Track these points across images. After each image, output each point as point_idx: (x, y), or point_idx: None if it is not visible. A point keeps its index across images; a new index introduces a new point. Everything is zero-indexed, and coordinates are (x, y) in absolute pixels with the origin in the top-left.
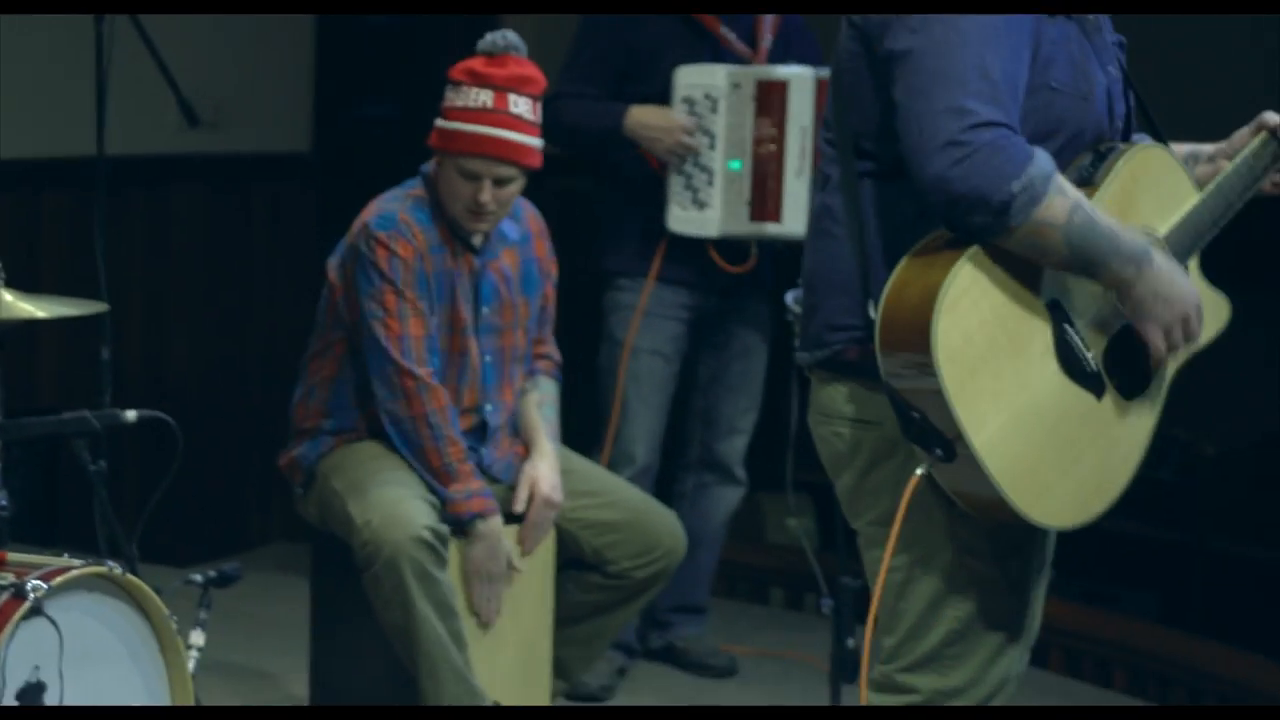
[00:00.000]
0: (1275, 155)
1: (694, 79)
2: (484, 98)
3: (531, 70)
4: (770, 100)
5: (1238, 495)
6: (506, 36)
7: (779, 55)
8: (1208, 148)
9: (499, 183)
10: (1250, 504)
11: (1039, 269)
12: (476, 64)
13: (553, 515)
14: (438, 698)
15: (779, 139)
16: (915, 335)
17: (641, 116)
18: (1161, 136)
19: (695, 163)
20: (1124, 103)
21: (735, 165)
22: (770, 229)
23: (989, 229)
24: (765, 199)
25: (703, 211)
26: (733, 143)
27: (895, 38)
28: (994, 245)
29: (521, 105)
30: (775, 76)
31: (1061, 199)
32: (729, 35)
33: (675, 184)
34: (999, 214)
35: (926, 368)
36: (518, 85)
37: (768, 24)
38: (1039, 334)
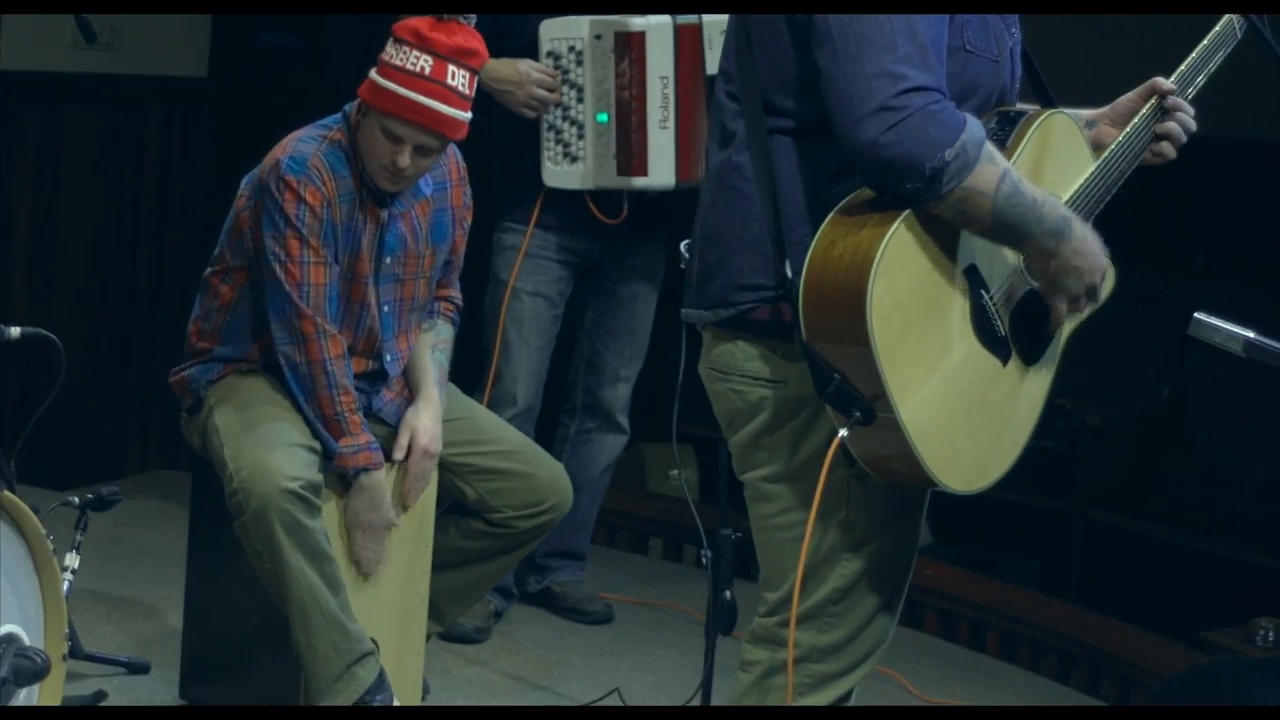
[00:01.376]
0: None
1: (557, 32)
2: (423, 63)
3: (476, 42)
4: (629, 51)
5: (1119, 467)
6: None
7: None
8: (1086, 112)
9: (420, 150)
10: (1131, 476)
11: (958, 234)
12: (423, 25)
13: (431, 465)
14: (310, 645)
15: (640, 91)
16: (847, 297)
17: (492, 71)
18: (1052, 100)
19: (565, 116)
20: (1019, 64)
21: (603, 118)
22: (637, 182)
23: (920, 195)
24: (630, 151)
25: (574, 165)
26: (599, 95)
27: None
28: (922, 210)
29: (459, 78)
30: (632, 27)
31: (991, 167)
32: None
33: (547, 138)
34: (932, 181)
35: (858, 331)
36: (459, 56)
37: None
38: (958, 299)
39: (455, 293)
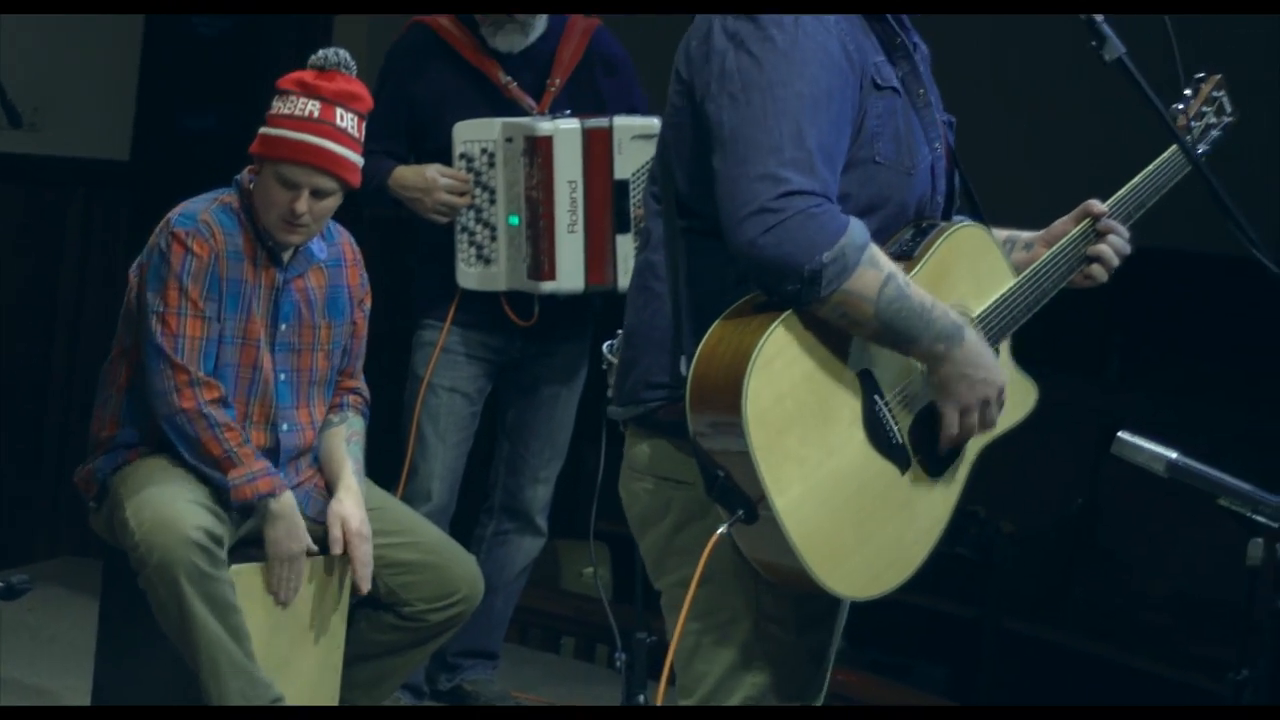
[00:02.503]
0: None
1: (470, 134)
2: (311, 107)
3: (359, 88)
4: (537, 155)
5: (1032, 575)
6: (339, 53)
7: (571, 100)
8: (1026, 234)
9: (317, 194)
10: (1044, 584)
11: (851, 340)
12: (306, 76)
13: (369, 547)
14: (220, 695)
15: (548, 196)
16: (725, 394)
17: (400, 178)
18: (982, 217)
19: (478, 218)
20: (947, 181)
21: (514, 220)
22: (545, 287)
23: (800, 297)
24: (539, 256)
25: (488, 267)
26: (510, 197)
27: (717, 103)
28: (808, 312)
29: (347, 120)
30: (540, 131)
31: (874, 271)
32: (509, 84)
33: (460, 239)
34: (810, 282)
35: (734, 426)
36: (345, 100)
37: (563, 66)
38: (849, 402)
39: (361, 384)
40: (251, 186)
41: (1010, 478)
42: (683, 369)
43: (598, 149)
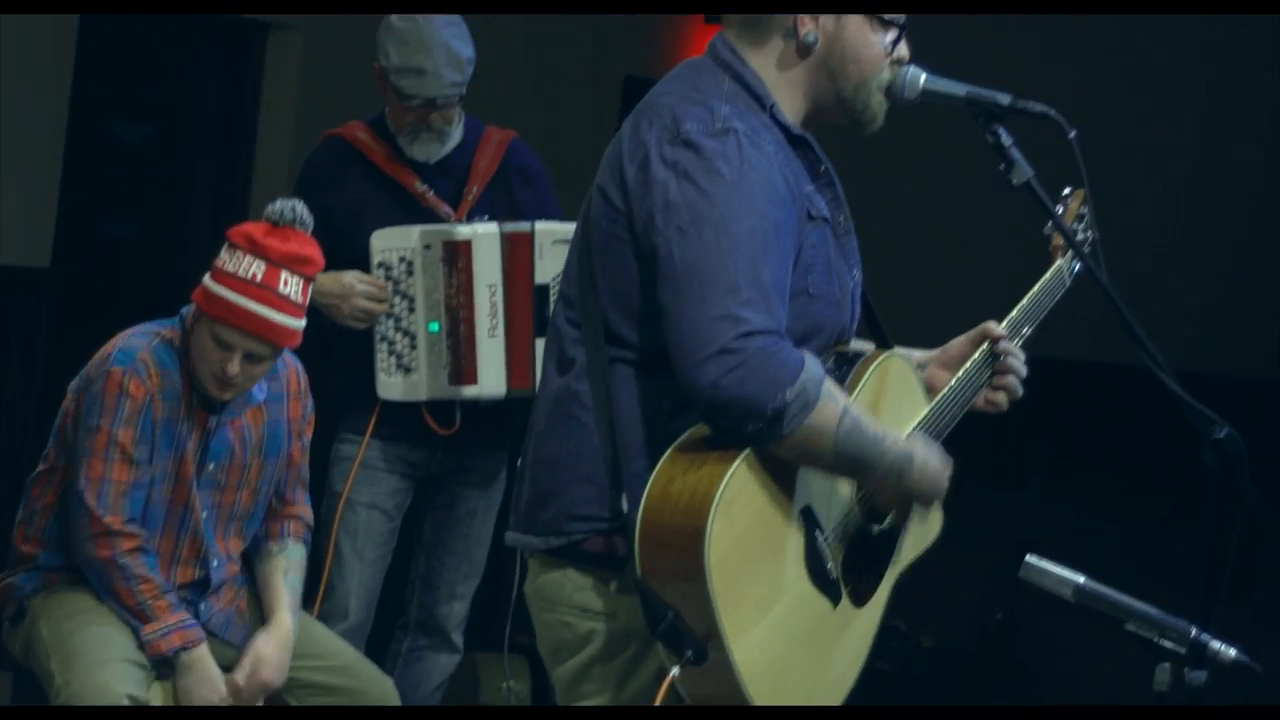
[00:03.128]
0: (993, 370)
1: (387, 242)
2: (255, 269)
3: (312, 250)
4: (456, 260)
5: (952, 689)
6: (295, 208)
7: (488, 208)
8: (919, 354)
9: (250, 358)
10: (964, 698)
11: (796, 474)
12: (257, 231)
13: (262, 695)
14: None
15: (468, 300)
16: (685, 537)
17: (318, 285)
18: (887, 340)
19: (398, 326)
20: (858, 305)
21: (434, 327)
22: (468, 391)
23: (762, 435)
24: (460, 360)
25: (408, 375)
26: (430, 304)
27: (664, 237)
28: (762, 449)
29: (292, 285)
30: (459, 236)
31: (832, 404)
32: (425, 192)
33: (380, 348)
34: (774, 421)
35: (693, 571)
36: (293, 264)
37: (480, 174)
38: (794, 539)
39: (304, 509)
40: (191, 329)
41: (931, 591)
42: (624, 506)
43: (518, 253)
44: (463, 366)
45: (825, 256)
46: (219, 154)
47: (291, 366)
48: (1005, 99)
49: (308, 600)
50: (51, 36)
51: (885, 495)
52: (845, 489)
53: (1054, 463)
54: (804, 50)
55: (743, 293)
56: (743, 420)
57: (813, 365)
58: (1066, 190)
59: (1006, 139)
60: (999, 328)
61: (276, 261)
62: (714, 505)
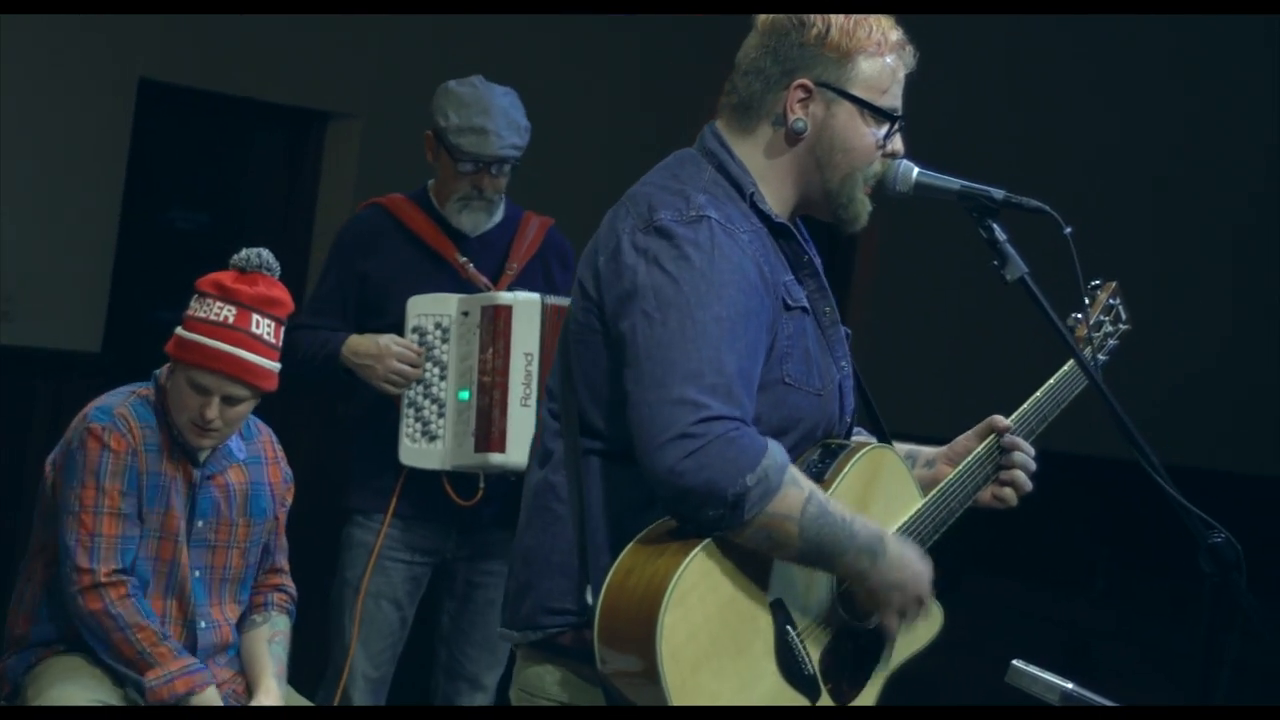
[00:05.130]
0: (999, 464)
1: (424, 308)
2: (226, 313)
3: (280, 293)
4: (495, 325)
5: None
6: (261, 254)
7: (527, 286)
8: (928, 450)
9: (228, 400)
10: None
11: (765, 566)
12: (225, 278)
13: None
14: None
15: (503, 365)
16: (638, 627)
17: (354, 345)
18: (885, 435)
19: (426, 394)
20: (851, 397)
21: (464, 395)
22: (494, 459)
23: (723, 522)
24: (490, 428)
25: (433, 444)
26: (461, 371)
27: (630, 322)
28: (723, 538)
29: (264, 326)
30: (499, 301)
31: (796, 490)
32: (466, 264)
33: (407, 414)
34: (734, 507)
35: (647, 664)
36: (263, 306)
37: (521, 252)
38: (761, 634)
39: (287, 581)
40: (167, 384)
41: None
42: (589, 598)
43: (555, 323)
44: (492, 434)
45: (804, 347)
46: (274, 242)
47: (265, 434)
48: (999, 194)
49: (319, 691)
50: (109, 120)
51: (862, 590)
52: (822, 582)
53: (1117, 564)
54: (793, 138)
55: (705, 379)
56: (703, 506)
57: (775, 451)
58: (1096, 281)
59: (1000, 234)
60: (1006, 420)
61: (247, 304)
62: (667, 596)
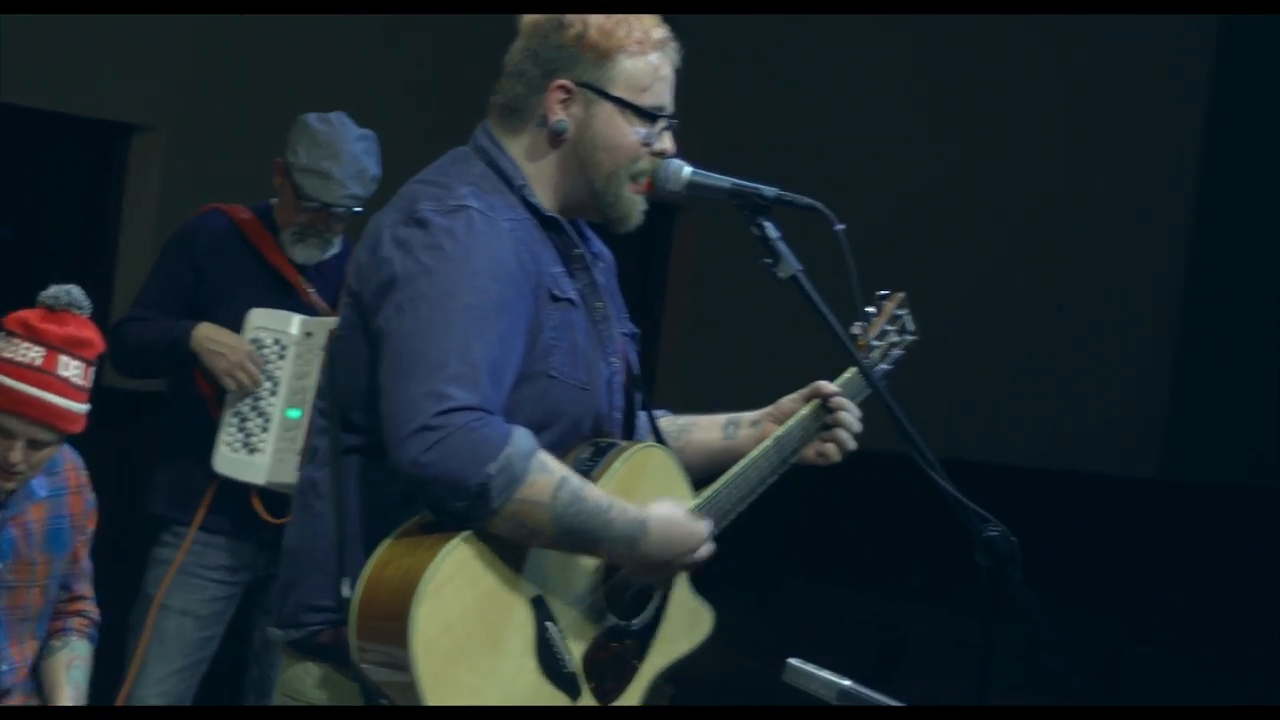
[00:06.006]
0: (824, 424)
1: (265, 322)
2: (34, 355)
3: (90, 333)
4: None
5: None
6: (70, 292)
7: None
8: (750, 414)
9: (33, 444)
10: None
11: (525, 561)
12: (33, 316)
13: None
14: None
15: None
16: (392, 620)
17: (211, 331)
18: (659, 434)
19: (254, 406)
20: (626, 396)
21: (295, 414)
22: None
23: (472, 512)
24: None
25: (252, 456)
26: (295, 390)
27: (384, 316)
28: (483, 531)
29: (72, 368)
30: None
31: (546, 476)
32: (311, 291)
33: (230, 423)
34: (480, 496)
35: (400, 656)
36: (71, 347)
37: None
38: (520, 630)
39: (88, 606)
40: None
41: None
42: (344, 591)
43: None
44: None
45: (571, 340)
46: (79, 255)
47: (70, 461)
48: (770, 192)
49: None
50: None
51: (632, 571)
52: (586, 581)
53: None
54: (555, 139)
55: (450, 368)
56: (449, 498)
57: (521, 439)
58: (884, 292)
59: (773, 232)
60: (831, 385)
61: (55, 345)
62: (421, 588)
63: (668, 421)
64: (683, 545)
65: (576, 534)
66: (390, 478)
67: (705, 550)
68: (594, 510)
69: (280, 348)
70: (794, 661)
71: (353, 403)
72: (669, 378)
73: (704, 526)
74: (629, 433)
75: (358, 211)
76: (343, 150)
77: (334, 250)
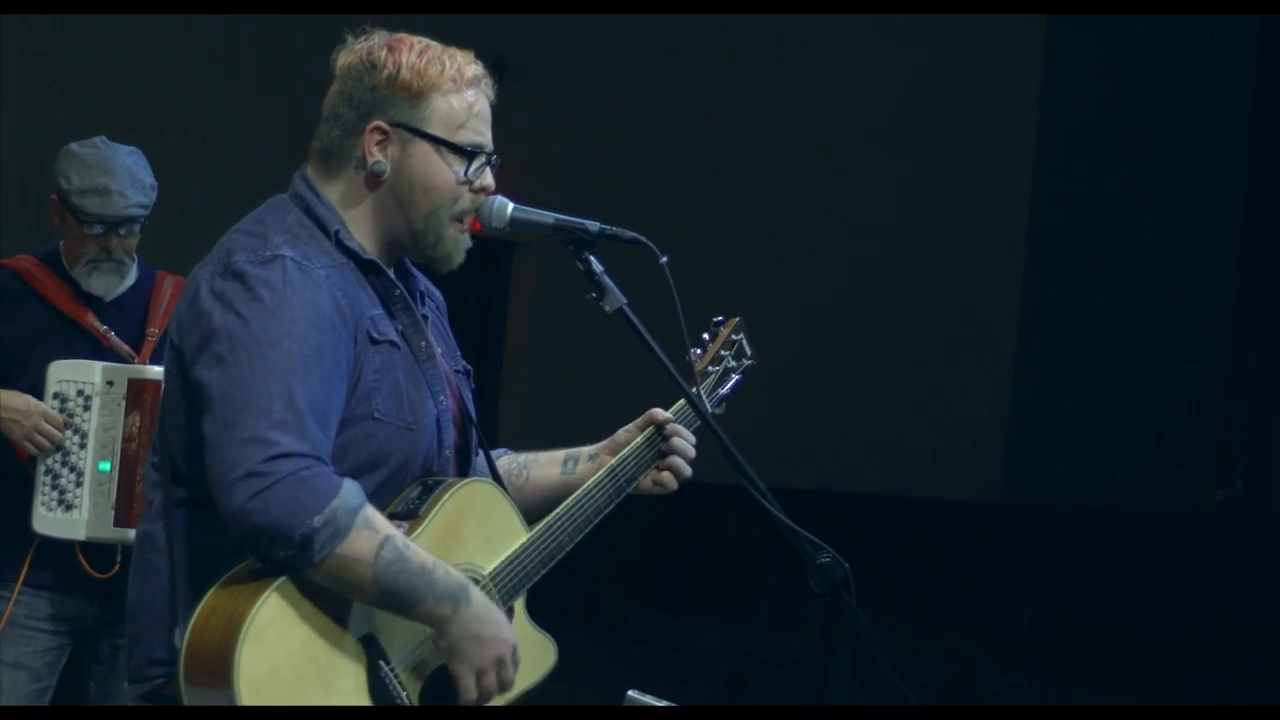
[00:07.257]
0: (659, 452)
1: (67, 374)
2: None
3: None
4: (141, 399)
5: None
6: None
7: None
8: (588, 448)
9: None
10: None
11: (349, 602)
12: None
13: None
14: None
15: (147, 439)
16: (217, 665)
17: (2, 397)
18: (495, 471)
19: (64, 461)
20: (460, 433)
21: (105, 466)
22: (133, 534)
23: (294, 563)
24: (131, 502)
25: (69, 513)
26: (104, 443)
27: (205, 366)
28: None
29: None
30: (146, 375)
31: (369, 534)
32: (107, 333)
33: (43, 482)
34: (302, 548)
35: (226, 700)
36: None
37: (159, 316)
38: (351, 670)
39: None
40: None
41: None
42: (177, 641)
43: None
44: (132, 508)
45: (394, 380)
46: None
47: None
48: (594, 227)
49: None
50: None
51: (442, 640)
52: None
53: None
54: (373, 181)
55: (275, 414)
56: (272, 546)
57: (349, 493)
58: (719, 318)
59: (597, 266)
60: (665, 412)
61: None
62: (244, 631)
63: (508, 460)
64: (498, 630)
65: (397, 594)
66: (221, 527)
67: (515, 659)
68: (417, 571)
69: (85, 399)
70: (632, 693)
71: (180, 455)
72: (512, 413)
73: (514, 638)
74: (463, 470)
75: (143, 224)
76: (115, 165)
77: (130, 280)
